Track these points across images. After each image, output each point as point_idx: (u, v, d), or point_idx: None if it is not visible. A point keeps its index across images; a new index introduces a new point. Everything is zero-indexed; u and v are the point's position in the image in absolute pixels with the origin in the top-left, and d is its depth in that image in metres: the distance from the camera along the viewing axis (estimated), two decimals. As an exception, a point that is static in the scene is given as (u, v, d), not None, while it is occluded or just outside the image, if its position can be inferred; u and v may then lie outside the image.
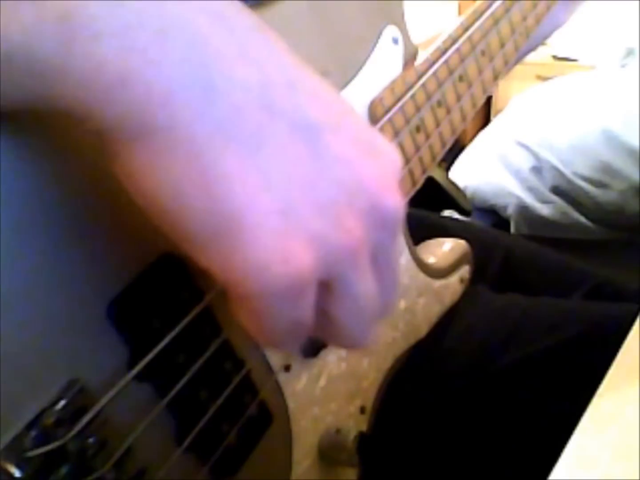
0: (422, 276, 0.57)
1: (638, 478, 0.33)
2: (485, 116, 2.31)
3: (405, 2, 0.54)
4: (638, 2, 1.75)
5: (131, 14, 0.25)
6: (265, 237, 0.27)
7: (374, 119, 0.49)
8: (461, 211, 0.94)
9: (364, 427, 0.52)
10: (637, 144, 1.45)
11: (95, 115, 0.26)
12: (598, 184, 1.49)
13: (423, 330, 0.58)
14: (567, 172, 1.51)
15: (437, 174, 0.88)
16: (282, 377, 0.44)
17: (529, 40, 0.62)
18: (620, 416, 0.37)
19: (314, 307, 0.30)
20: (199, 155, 0.26)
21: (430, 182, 0.86)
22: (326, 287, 0.29)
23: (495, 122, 1.77)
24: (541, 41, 0.72)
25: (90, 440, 0.31)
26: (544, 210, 1.54)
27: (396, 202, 0.30)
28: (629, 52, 1.87)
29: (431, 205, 0.84)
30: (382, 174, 0.30)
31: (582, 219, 1.52)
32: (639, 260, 1.11)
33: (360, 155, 0.29)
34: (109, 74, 0.25)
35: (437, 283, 0.59)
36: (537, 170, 1.55)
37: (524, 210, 1.55)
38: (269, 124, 0.27)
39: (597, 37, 2.14)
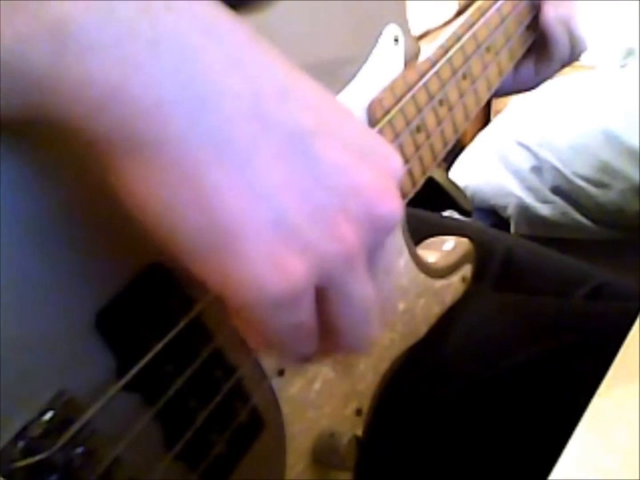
0: (422, 277, 0.57)
1: (638, 478, 0.33)
2: (485, 116, 2.31)
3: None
4: (638, 2, 1.75)
5: (123, 26, 0.25)
6: (258, 248, 0.27)
7: (372, 120, 0.49)
8: (461, 211, 0.94)
9: (360, 429, 0.51)
10: (637, 144, 1.44)
11: (87, 127, 0.26)
12: (598, 184, 1.48)
13: (422, 331, 0.58)
14: (567, 172, 1.50)
15: (437, 174, 0.88)
16: (275, 382, 0.43)
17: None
18: (620, 416, 0.37)
19: (314, 311, 0.30)
20: (190, 168, 0.26)
21: (430, 182, 0.86)
22: (324, 293, 0.30)
23: (495, 122, 1.77)
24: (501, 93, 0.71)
25: (78, 450, 0.31)
26: (544, 210, 1.54)
27: (393, 206, 0.30)
28: (629, 52, 1.87)
29: (431, 205, 0.84)
30: (378, 179, 0.29)
31: (582, 219, 1.52)
32: (639, 260, 1.11)
33: (355, 160, 0.29)
34: (99, 85, 0.25)
35: (438, 283, 0.59)
36: (537, 170, 1.54)
37: (524, 210, 1.55)
38: (260, 134, 0.27)
39: (597, 37, 2.14)
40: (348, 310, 0.30)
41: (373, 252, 0.30)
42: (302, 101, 0.29)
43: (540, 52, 0.67)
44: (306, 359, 0.32)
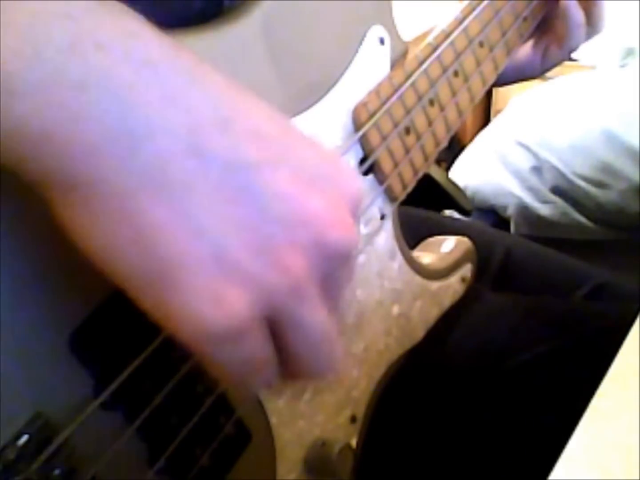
0: (418, 279, 0.56)
1: (638, 478, 0.33)
2: (485, 116, 2.31)
3: (400, 1, 0.52)
4: (638, 2, 1.75)
5: (48, 70, 0.25)
6: (197, 283, 0.27)
7: (357, 124, 0.48)
8: (461, 211, 0.94)
9: (354, 436, 0.50)
10: (637, 144, 1.44)
11: (25, 169, 0.26)
12: (598, 184, 1.48)
13: (419, 334, 0.57)
14: (567, 172, 1.50)
15: (437, 174, 0.88)
16: (263, 393, 0.42)
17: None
18: (620, 416, 0.37)
19: (266, 343, 0.29)
20: (126, 207, 0.26)
21: (430, 182, 0.86)
22: (276, 323, 0.29)
23: (495, 122, 1.77)
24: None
25: (57, 471, 0.31)
26: (544, 210, 1.54)
27: (343, 234, 0.29)
28: (629, 52, 1.87)
29: (431, 205, 0.84)
30: (329, 207, 0.29)
31: (582, 219, 1.52)
32: (639, 260, 1.11)
33: (304, 189, 0.28)
34: (30, 129, 0.25)
35: (436, 285, 0.58)
36: (537, 170, 1.54)
37: (524, 210, 1.55)
38: (198, 168, 0.27)
39: (597, 37, 2.13)
40: (302, 339, 0.30)
41: (329, 280, 0.30)
42: (245, 131, 0.28)
43: (551, 38, 0.67)
44: (268, 386, 0.32)
